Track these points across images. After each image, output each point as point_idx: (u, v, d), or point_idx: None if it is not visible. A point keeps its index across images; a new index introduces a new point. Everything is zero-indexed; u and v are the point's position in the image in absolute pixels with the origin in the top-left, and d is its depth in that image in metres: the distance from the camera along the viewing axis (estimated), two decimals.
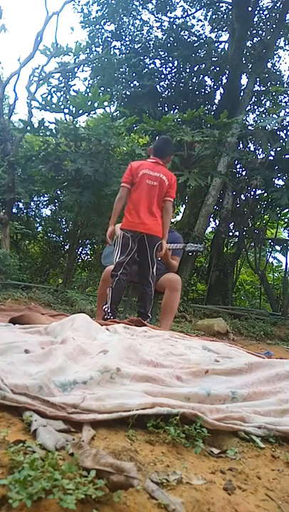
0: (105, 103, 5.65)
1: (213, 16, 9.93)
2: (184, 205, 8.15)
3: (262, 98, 9.49)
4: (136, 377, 1.18)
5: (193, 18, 10.00)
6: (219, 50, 9.58)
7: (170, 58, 8.92)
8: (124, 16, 9.26)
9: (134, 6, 9.30)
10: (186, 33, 9.43)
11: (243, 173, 7.44)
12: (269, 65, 9.32)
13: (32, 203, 7.51)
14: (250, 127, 7.33)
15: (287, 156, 6.50)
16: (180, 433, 0.93)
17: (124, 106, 7.87)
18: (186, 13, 9.83)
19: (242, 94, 8.12)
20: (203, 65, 8.79)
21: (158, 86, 8.80)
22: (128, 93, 8.32)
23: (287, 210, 7.16)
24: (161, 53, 9.03)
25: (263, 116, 8.43)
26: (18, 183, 6.12)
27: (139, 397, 1.04)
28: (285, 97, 9.24)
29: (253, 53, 8.66)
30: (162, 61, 9.12)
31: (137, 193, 2.98)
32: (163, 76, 9.09)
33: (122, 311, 3.74)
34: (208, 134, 5.30)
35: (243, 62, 8.44)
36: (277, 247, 8.07)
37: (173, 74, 9.19)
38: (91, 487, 0.63)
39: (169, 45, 9.00)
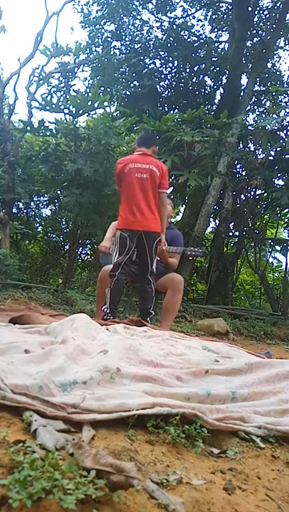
0: (105, 103, 5.64)
1: (213, 16, 9.93)
2: (183, 205, 8.15)
3: (262, 98, 9.49)
4: (136, 377, 1.18)
5: (193, 18, 10.01)
6: (219, 50, 9.58)
7: (170, 58, 8.92)
8: (124, 15, 9.26)
9: (134, 6, 9.30)
10: (186, 33, 9.43)
11: (243, 173, 7.43)
12: (269, 65, 9.32)
13: (32, 203, 7.51)
14: (250, 127, 7.33)
15: (287, 156, 6.50)
16: (180, 433, 0.93)
17: (124, 106, 7.86)
18: (186, 13, 9.84)
19: (242, 94, 8.12)
20: (203, 65, 8.79)
21: (158, 86, 8.80)
22: (128, 93, 8.32)
23: (287, 210, 7.15)
24: (161, 53, 9.03)
25: (263, 116, 8.43)
26: (18, 183, 6.12)
27: (139, 397, 1.04)
28: (285, 97, 9.25)
29: (253, 53, 8.66)
30: (162, 61, 9.12)
31: (128, 190, 2.89)
32: (163, 76, 9.09)
33: (121, 311, 3.74)
34: (208, 134, 5.29)
35: (243, 62, 8.44)
36: (277, 247, 8.07)
37: (173, 74, 9.19)
38: (91, 487, 0.63)
39: (169, 45, 9.00)
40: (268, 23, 9.10)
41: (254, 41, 9.27)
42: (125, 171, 2.90)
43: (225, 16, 9.77)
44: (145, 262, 2.91)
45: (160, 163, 3.01)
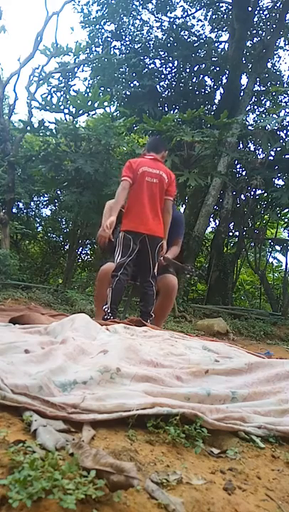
0: (105, 103, 5.65)
1: (213, 16, 9.93)
2: (184, 205, 8.15)
3: (262, 98, 9.49)
4: (136, 377, 1.18)
5: (193, 18, 10.02)
6: (219, 50, 9.58)
7: (170, 58, 8.92)
8: (124, 16, 9.27)
9: (134, 6, 9.31)
10: (186, 33, 9.44)
11: (243, 173, 7.44)
12: (269, 65, 9.33)
13: (32, 203, 7.51)
14: (250, 127, 7.33)
15: (287, 156, 6.50)
16: (180, 433, 0.93)
17: (124, 106, 7.87)
18: (186, 13, 9.84)
19: (242, 94, 8.12)
20: (203, 65, 8.79)
21: (158, 86, 8.80)
22: (128, 93, 8.32)
23: (287, 210, 7.16)
24: (161, 53, 9.03)
25: (263, 116, 8.43)
26: (18, 183, 6.12)
27: (139, 397, 1.04)
28: (285, 97, 9.25)
29: (253, 53, 8.67)
30: (162, 61, 9.12)
31: (137, 192, 2.89)
32: (163, 76, 9.09)
33: (121, 311, 3.74)
34: (208, 134, 5.30)
35: (243, 62, 8.45)
36: (277, 247, 8.08)
37: (173, 74, 9.19)
38: (91, 487, 0.63)
39: (169, 45, 9.00)
40: (268, 23, 9.11)
41: (254, 41, 9.27)
42: (138, 172, 2.89)
43: (225, 16, 9.77)
44: (147, 265, 2.91)
45: (169, 171, 3.05)
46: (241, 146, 7.71)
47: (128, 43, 9.43)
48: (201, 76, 9.17)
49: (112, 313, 2.80)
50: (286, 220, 7.67)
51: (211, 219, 7.90)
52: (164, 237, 2.96)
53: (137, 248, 2.87)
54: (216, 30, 10.06)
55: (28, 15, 27.12)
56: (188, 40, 9.24)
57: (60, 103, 5.58)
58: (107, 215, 3.11)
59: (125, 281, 2.91)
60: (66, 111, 5.59)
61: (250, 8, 8.35)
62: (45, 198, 7.53)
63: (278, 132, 6.82)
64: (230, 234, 8.16)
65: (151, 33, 9.62)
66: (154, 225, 2.88)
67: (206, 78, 9.28)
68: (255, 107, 9.62)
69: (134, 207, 2.90)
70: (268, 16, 9.33)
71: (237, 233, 7.88)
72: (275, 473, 0.89)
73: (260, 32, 9.29)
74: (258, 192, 6.98)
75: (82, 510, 0.61)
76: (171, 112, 8.42)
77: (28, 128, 5.63)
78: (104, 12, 9.11)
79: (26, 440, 0.76)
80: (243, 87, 8.31)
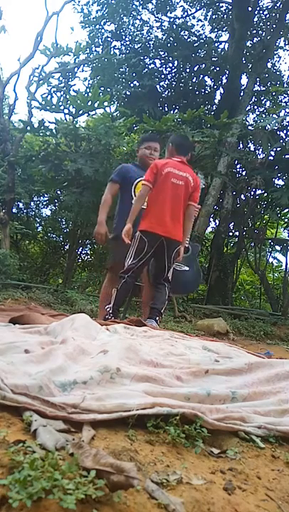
0: (105, 103, 5.65)
1: (213, 16, 9.93)
2: None
3: (262, 98, 9.49)
4: (136, 377, 1.18)
5: (193, 18, 10.02)
6: (219, 50, 9.59)
7: (170, 58, 8.93)
8: (124, 16, 9.27)
9: (134, 6, 9.31)
10: (186, 33, 9.44)
11: (243, 173, 7.44)
12: (269, 65, 9.32)
13: (32, 203, 7.50)
14: (250, 127, 7.33)
15: (287, 156, 6.50)
16: (180, 433, 0.93)
17: (124, 106, 7.87)
18: (186, 13, 9.84)
19: (242, 94, 8.12)
20: (203, 65, 8.80)
21: (158, 86, 8.81)
22: (128, 93, 8.32)
23: (287, 210, 7.16)
24: (161, 53, 9.04)
25: (263, 116, 8.43)
26: (18, 183, 6.12)
27: (139, 397, 1.04)
28: (285, 97, 9.25)
29: (253, 53, 8.66)
30: (162, 61, 9.13)
31: (160, 193, 2.77)
32: (163, 76, 9.10)
33: (121, 311, 3.74)
34: (208, 134, 5.29)
35: (243, 62, 8.45)
36: (277, 247, 8.07)
37: (173, 74, 9.20)
38: (91, 487, 0.63)
39: (169, 45, 9.01)
40: (268, 23, 9.11)
41: (254, 41, 9.27)
42: (163, 173, 2.79)
43: (225, 15, 9.77)
44: (162, 268, 2.85)
45: (195, 175, 2.96)
46: (241, 146, 7.71)
47: (128, 43, 9.43)
48: (201, 76, 9.17)
49: (114, 314, 2.78)
50: (286, 220, 7.67)
51: (211, 219, 7.90)
52: (182, 241, 2.87)
53: (151, 251, 2.79)
54: (216, 30, 10.06)
55: (28, 15, 27.12)
56: (188, 40, 9.25)
57: (60, 103, 5.58)
58: (102, 210, 3.10)
59: (132, 285, 2.85)
60: (66, 111, 5.58)
61: (250, 8, 8.35)
62: (45, 198, 7.52)
63: (278, 132, 6.82)
64: (230, 234, 8.15)
65: (151, 33, 9.63)
66: (172, 227, 2.78)
67: (206, 78, 9.29)
68: (255, 107, 9.62)
69: (154, 207, 2.80)
70: (268, 15, 9.33)
71: (237, 233, 7.88)
72: (275, 473, 0.89)
73: (260, 32, 9.30)
74: (258, 192, 6.98)
75: (82, 510, 0.61)
76: (171, 112, 8.42)
77: (28, 128, 5.62)
78: (104, 12, 9.11)
79: (26, 440, 0.76)
80: (243, 87, 8.31)
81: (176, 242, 2.81)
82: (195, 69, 9.01)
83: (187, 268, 3.24)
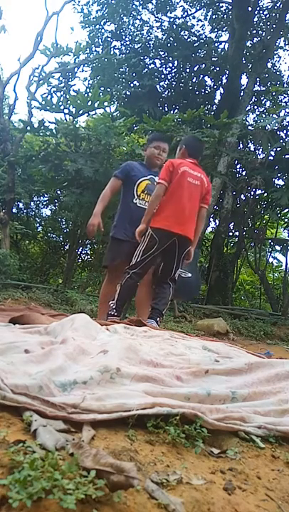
0: (105, 103, 5.65)
1: (213, 16, 9.94)
2: None
3: (262, 98, 9.50)
4: (136, 377, 1.18)
5: (193, 18, 10.03)
6: (219, 50, 9.59)
7: (170, 58, 8.93)
8: (124, 16, 9.28)
9: (134, 6, 9.32)
10: (186, 33, 9.45)
11: (243, 173, 7.44)
12: (269, 65, 9.33)
13: (32, 203, 7.51)
14: (250, 127, 7.33)
15: (287, 156, 6.50)
16: (180, 433, 0.93)
17: (124, 106, 7.87)
18: (186, 13, 9.85)
19: (242, 94, 8.12)
20: (203, 65, 8.80)
21: (158, 86, 8.81)
22: (128, 93, 8.33)
23: (287, 210, 7.16)
24: (161, 53, 9.04)
25: (263, 116, 8.43)
26: (18, 183, 6.12)
27: (139, 397, 1.04)
28: (285, 97, 9.26)
29: (253, 53, 8.67)
30: (162, 61, 9.13)
31: (176, 191, 2.73)
32: (163, 76, 9.10)
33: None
34: (208, 134, 5.30)
35: (243, 62, 8.45)
36: (277, 247, 8.08)
37: (173, 74, 9.20)
38: (91, 487, 0.63)
39: (169, 45, 9.01)
40: (268, 23, 9.11)
41: (254, 41, 9.28)
42: (179, 171, 2.76)
43: (225, 15, 9.77)
44: (170, 266, 2.79)
45: (208, 178, 2.96)
46: (241, 146, 7.71)
47: (128, 43, 9.44)
48: (201, 76, 9.18)
49: (117, 309, 2.72)
50: (286, 220, 7.67)
51: (211, 219, 7.90)
52: (193, 243, 2.83)
53: (161, 249, 2.73)
54: (216, 30, 10.06)
55: (28, 15, 27.16)
56: (188, 40, 9.25)
57: (60, 103, 5.58)
58: (100, 203, 3.11)
59: (137, 282, 2.81)
60: (66, 111, 5.59)
61: (250, 8, 8.35)
62: (45, 198, 7.53)
63: (278, 132, 6.82)
64: (230, 234, 8.16)
65: (151, 33, 9.63)
66: (188, 227, 2.74)
67: (206, 78, 9.30)
68: (255, 107, 9.62)
69: (171, 204, 2.73)
70: (268, 15, 9.33)
71: (237, 233, 7.88)
72: (275, 473, 0.89)
73: (260, 32, 9.30)
74: (258, 192, 6.98)
75: (82, 510, 0.61)
76: (171, 112, 8.43)
77: (28, 128, 5.62)
78: (104, 12, 9.12)
79: (26, 440, 0.76)
80: (243, 87, 8.31)
81: (188, 241, 2.78)
82: (195, 69, 9.01)
83: (190, 274, 3.22)
